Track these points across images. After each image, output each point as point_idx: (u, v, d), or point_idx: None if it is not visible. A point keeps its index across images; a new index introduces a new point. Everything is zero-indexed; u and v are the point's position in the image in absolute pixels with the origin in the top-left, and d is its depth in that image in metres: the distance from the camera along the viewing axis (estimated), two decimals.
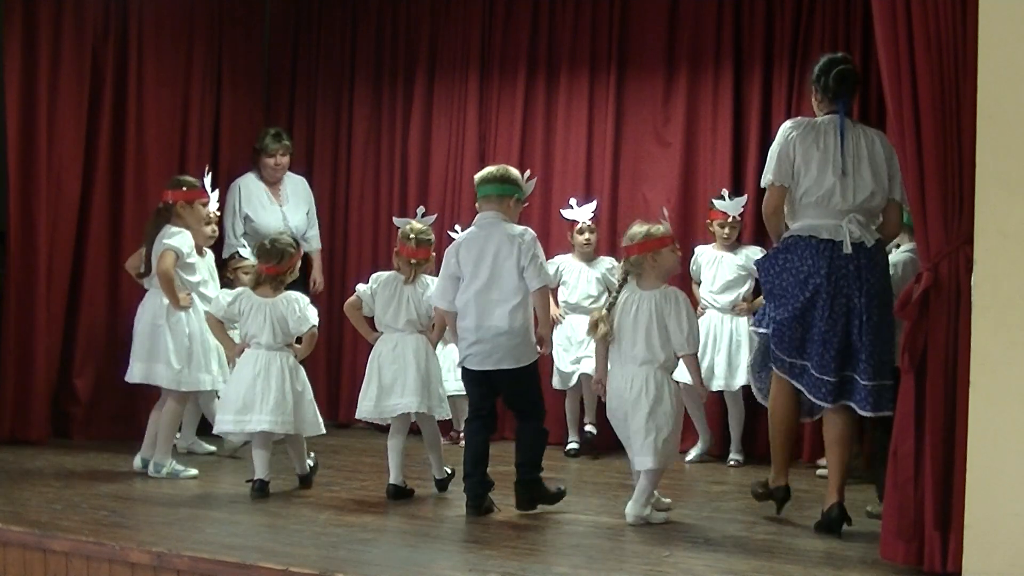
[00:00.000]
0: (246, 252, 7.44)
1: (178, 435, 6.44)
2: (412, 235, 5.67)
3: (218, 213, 6.83)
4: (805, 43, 7.06)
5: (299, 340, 5.74)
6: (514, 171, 5.41)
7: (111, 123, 7.30)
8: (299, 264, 5.93)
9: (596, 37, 7.63)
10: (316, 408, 5.77)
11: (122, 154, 7.35)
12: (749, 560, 4.37)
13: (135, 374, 6.23)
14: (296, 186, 7.76)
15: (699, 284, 6.90)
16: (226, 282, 7.33)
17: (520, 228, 5.26)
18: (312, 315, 5.70)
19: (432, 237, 5.76)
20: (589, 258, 7.13)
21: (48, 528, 4.62)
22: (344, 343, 8.05)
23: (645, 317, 5.01)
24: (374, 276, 5.78)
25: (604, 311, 5.12)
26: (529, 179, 5.51)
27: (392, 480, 5.57)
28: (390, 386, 5.56)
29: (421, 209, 6.01)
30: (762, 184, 5.06)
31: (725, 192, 6.87)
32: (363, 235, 8.20)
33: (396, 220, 5.98)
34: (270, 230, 7.14)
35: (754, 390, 5.28)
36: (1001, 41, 3.80)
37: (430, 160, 8.03)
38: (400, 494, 5.53)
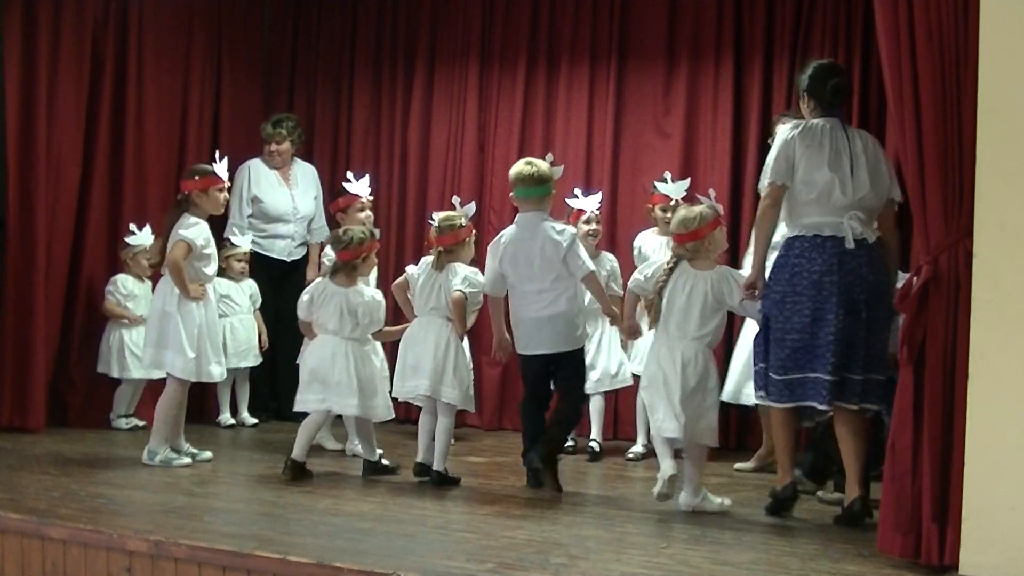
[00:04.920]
0: (237, 240, 7.44)
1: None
2: (435, 223, 5.85)
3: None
4: (806, 35, 7.05)
5: None
6: (544, 165, 5.64)
7: (111, 110, 7.30)
8: (373, 254, 5.97)
9: (597, 27, 7.62)
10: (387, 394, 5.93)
11: (122, 141, 7.35)
12: (746, 552, 4.38)
13: (145, 360, 6.24)
14: (305, 171, 7.81)
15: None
16: (218, 271, 7.33)
17: (562, 226, 5.62)
18: (381, 314, 5.88)
19: (458, 223, 5.79)
20: (593, 254, 6.75)
21: (46, 516, 4.62)
22: None
23: (701, 296, 5.12)
24: (423, 260, 5.91)
25: (655, 295, 5.20)
26: (554, 165, 5.72)
27: (419, 459, 5.71)
28: (413, 367, 5.70)
29: (457, 199, 6.03)
30: (761, 185, 5.10)
31: (668, 175, 6.78)
32: None
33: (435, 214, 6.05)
34: (280, 212, 7.16)
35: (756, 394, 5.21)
36: (1002, 34, 3.80)
37: (430, 149, 8.02)
38: (424, 474, 5.64)
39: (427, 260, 5.85)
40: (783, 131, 5.07)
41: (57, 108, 6.96)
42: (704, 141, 7.34)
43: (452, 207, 5.94)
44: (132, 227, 7.09)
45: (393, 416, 6.01)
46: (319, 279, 6.01)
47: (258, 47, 8.35)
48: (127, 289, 7.08)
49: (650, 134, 7.50)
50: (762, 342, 5.02)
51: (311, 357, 5.82)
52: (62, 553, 4.46)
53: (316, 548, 4.20)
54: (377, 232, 6.09)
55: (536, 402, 5.67)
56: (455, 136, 7.94)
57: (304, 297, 5.92)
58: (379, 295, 5.95)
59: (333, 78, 8.32)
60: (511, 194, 5.70)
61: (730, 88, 7.25)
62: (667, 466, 5.09)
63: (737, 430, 7.11)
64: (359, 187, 6.70)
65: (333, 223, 6.72)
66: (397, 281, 6.01)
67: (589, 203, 6.84)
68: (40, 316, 6.84)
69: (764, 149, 6.77)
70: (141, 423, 7.03)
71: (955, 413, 3.93)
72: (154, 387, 6.37)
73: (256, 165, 7.68)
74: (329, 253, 6.37)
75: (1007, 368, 3.78)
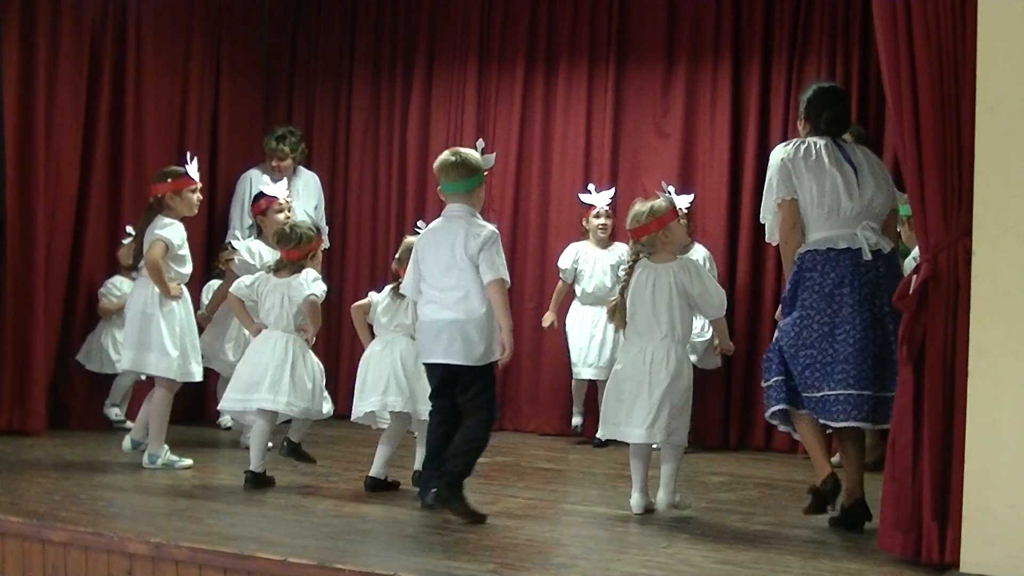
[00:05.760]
0: (238, 244, 7.44)
1: None
2: (396, 254, 5.70)
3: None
4: (804, 35, 7.06)
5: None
6: (473, 155, 5.10)
7: (109, 113, 7.30)
8: (319, 251, 5.90)
9: (595, 28, 7.63)
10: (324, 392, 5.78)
11: (120, 144, 7.35)
12: (747, 551, 4.38)
13: (125, 362, 6.24)
14: (307, 181, 7.79)
15: None
16: (217, 273, 7.36)
17: (482, 223, 5.03)
18: (316, 287, 5.69)
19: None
20: (604, 244, 7.24)
21: (46, 519, 4.62)
22: (343, 334, 8.04)
23: (666, 291, 4.96)
24: (387, 288, 5.72)
25: (619, 296, 5.04)
26: (485, 152, 5.25)
27: (371, 472, 5.47)
28: (375, 384, 5.49)
29: (421, 224, 5.95)
30: (767, 210, 4.89)
31: (672, 188, 6.60)
32: (362, 226, 8.19)
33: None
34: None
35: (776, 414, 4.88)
36: (1000, 33, 3.80)
37: (428, 151, 8.01)
38: (377, 487, 5.44)
39: (391, 288, 5.67)
40: (776, 152, 4.89)
41: (56, 110, 6.96)
42: (703, 141, 7.34)
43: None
44: (129, 228, 7.09)
45: (332, 412, 5.86)
46: (260, 273, 5.91)
47: (257, 48, 8.36)
48: (120, 291, 7.08)
49: (649, 134, 7.50)
50: (774, 357, 4.78)
51: (255, 353, 5.67)
52: (63, 556, 4.45)
53: (317, 549, 4.19)
54: (325, 228, 6.01)
55: (439, 417, 5.06)
56: (454, 137, 7.93)
57: (246, 279, 5.84)
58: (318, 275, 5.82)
59: (332, 79, 8.33)
60: (438, 188, 5.20)
61: (728, 88, 7.26)
62: (636, 499, 4.99)
63: (739, 429, 7.12)
64: (276, 189, 6.75)
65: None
66: (359, 303, 5.78)
67: (600, 199, 7.24)
68: (40, 318, 6.83)
69: (763, 148, 6.79)
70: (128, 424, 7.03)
71: (955, 412, 3.93)
72: (148, 387, 6.38)
73: (257, 176, 7.63)
74: (244, 256, 6.46)
75: (1007, 367, 3.78)
